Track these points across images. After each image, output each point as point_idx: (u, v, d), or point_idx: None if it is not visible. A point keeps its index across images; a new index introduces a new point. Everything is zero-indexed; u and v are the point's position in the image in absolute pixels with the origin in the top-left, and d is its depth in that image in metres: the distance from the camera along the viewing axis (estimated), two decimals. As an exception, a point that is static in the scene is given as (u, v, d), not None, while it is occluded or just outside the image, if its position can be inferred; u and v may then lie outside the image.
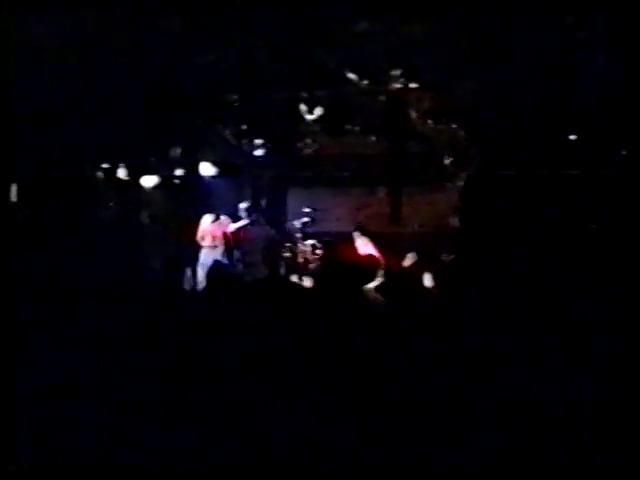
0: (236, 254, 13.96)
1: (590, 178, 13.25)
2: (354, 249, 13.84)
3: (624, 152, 12.62)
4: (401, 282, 13.28)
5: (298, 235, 14.14)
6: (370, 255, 13.72)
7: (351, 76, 14.64)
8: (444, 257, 13.56)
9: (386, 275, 13.42)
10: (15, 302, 10.91)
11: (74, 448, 9.84)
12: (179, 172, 14.58)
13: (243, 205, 14.18)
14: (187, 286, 13.69)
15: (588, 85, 13.72)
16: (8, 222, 12.70)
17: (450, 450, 9.69)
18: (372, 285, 13.33)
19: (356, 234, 13.91)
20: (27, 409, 10.18)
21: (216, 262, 13.79)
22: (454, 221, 14.00)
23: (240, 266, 14.01)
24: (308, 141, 14.75)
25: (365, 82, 14.66)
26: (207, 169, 14.59)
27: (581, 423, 9.86)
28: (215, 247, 13.87)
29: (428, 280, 13.20)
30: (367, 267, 13.56)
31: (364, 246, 13.84)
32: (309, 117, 14.77)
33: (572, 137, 13.76)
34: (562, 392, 10.30)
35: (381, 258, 13.63)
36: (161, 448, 9.86)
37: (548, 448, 9.65)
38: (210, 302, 13.35)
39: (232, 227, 13.93)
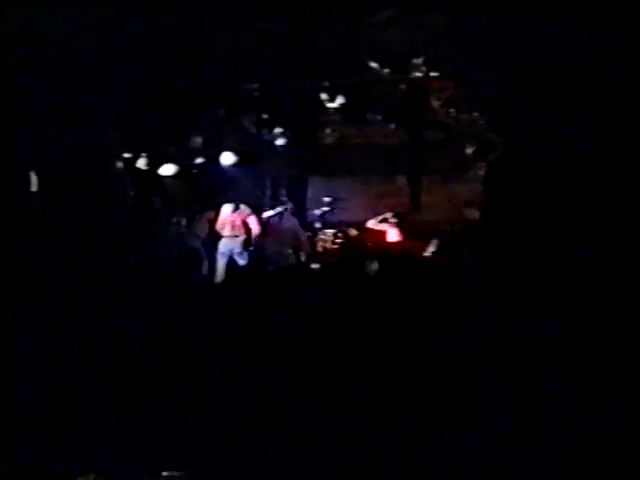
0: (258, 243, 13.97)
1: (615, 166, 13.10)
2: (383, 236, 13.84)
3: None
4: (424, 269, 13.23)
5: (318, 224, 14.12)
6: (397, 242, 13.70)
7: (372, 65, 14.56)
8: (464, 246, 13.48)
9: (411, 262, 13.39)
10: (25, 293, 10.95)
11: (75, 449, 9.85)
12: (199, 161, 14.57)
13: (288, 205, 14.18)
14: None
15: (613, 73, 13.54)
16: (27, 212, 12.84)
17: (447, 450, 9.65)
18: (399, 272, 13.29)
19: (390, 219, 13.88)
20: (27, 409, 10.19)
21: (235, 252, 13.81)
22: (474, 211, 13.91)
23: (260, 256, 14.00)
24: (329, 130, 14.69)
25: (386, 71, 14.56)
26: (228, 158, 14.56)
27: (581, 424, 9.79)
28: (235, 237, 13.87)
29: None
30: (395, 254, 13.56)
31: (393, 234, 13.82)
32: (330, 106, 14.71)
33: (595, 122, 13.59)
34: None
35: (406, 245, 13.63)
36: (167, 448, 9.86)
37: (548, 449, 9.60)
38: (230, 292, 13.36)
39: (266, 215, 13.98)
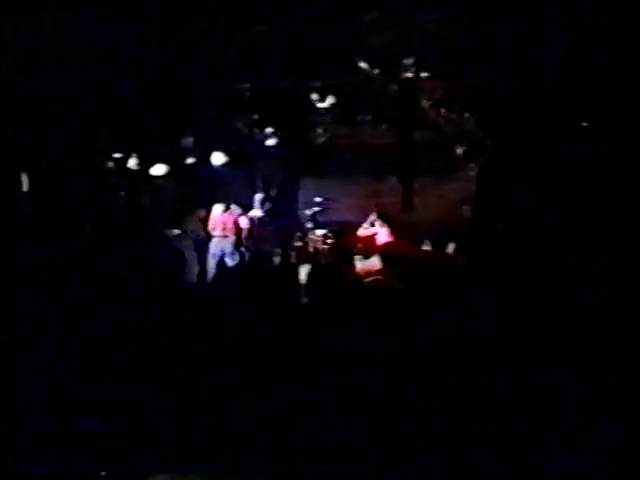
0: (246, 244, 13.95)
1: (605, 166, 13.11)
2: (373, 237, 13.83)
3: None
4: (419, 270, 13.22)
5: (309, 225, 14.11)
6: (390, 242, 13.71)
7: (362, 65, 14.57)
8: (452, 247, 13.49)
9: (405, 263, 13.37)
10: (18, 295, 10.89)
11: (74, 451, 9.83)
12: (190, 161, 14.56)
13: (258, 196, 14.16)
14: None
15: (602, 72, 13.57)
16: (18, 211, 12.78)
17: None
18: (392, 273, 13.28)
19: (377, 222, 13.87)
20: (27, 410, 10.16)
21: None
22: (466, 211, 13.93)
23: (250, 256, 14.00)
24: (319, 130, 14.70)
25: (377, 71, 14.58)
26: (219, 158, 14.56)
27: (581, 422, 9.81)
28: (226, 237, 13.86)
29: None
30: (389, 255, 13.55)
31: (383, 234, 13.82)
32: (320, 106, 14.72)
33: (584, 124, 13.64)
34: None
35: (400, 246, 13.61)
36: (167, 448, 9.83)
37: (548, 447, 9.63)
38: (220, 293, 13.36)
39: (247, 216, 13.95)
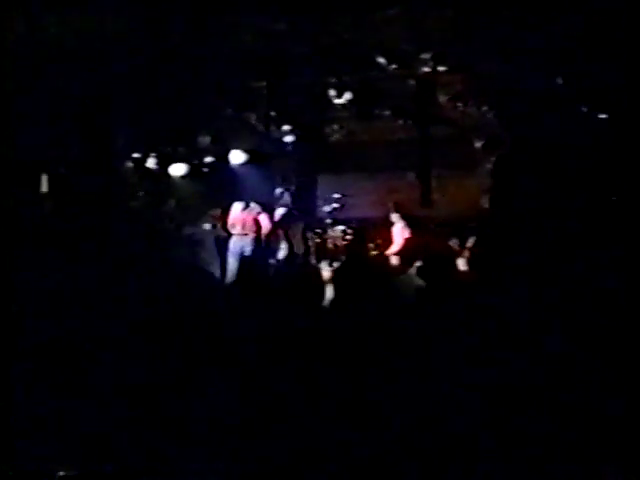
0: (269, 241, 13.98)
1: (621, 157, 13.06)
2: (390, 233, 13.80)
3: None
4: (439, 266, 13.19)
5: (328, 221, 14.13)
6: (408, 239, 13.68)
7: (380, 60, 14.55)
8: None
9: (425, 259, 13.34)
10: (30, 294, 10.96)
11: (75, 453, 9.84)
12: (208, 160, 14.58)
13: (277, 193, 14.18)
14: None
15: (622, 67, 13.52)
16: (38, 212, 12.88)
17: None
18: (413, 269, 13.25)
19: (395, 217, 13.84)
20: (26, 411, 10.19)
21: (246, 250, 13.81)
22: (484, 205, 13.91)
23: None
24: (337, 126, 14.70)
25: (394, 66, 14.56)
26: (237, 157, 14.57)
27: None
28: (245, 235, 13.86)
29: (462, 264, 13.16)
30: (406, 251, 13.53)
31: (401, 229, 13.79)
32: (338, 102, 14.70)
33: (602, 116, 13.59)
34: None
35: (418, 241, 13.60)
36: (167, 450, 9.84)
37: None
38: (240, 290, 13.38)
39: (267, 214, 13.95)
